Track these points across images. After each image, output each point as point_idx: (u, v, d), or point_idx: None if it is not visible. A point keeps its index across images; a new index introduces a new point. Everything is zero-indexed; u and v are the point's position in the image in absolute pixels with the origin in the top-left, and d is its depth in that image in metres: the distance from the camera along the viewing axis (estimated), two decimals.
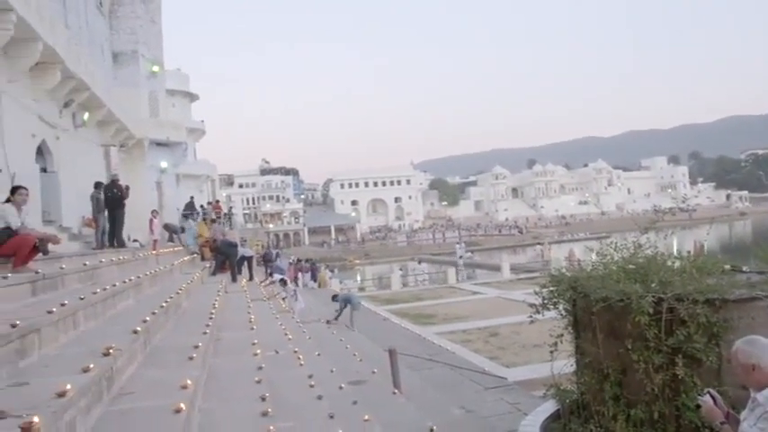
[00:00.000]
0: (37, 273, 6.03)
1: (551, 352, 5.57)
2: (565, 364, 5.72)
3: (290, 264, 29.19)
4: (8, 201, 6.86)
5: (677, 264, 5.09)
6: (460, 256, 41.78)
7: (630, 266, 5.15)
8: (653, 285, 4.70)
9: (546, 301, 5.66)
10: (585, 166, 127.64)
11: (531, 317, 5.75)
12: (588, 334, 5.24)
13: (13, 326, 3.64)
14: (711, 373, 4.22)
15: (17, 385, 3.23)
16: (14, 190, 7.06)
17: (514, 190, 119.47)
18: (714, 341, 4.27)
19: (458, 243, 65.19)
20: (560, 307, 5.63)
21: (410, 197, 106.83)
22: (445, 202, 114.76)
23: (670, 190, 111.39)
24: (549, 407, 5.85)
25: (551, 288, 5.63)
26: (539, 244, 55.95)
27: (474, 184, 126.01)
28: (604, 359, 4.97)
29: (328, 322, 14.34)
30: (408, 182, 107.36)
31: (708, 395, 2.98)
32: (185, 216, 27.34)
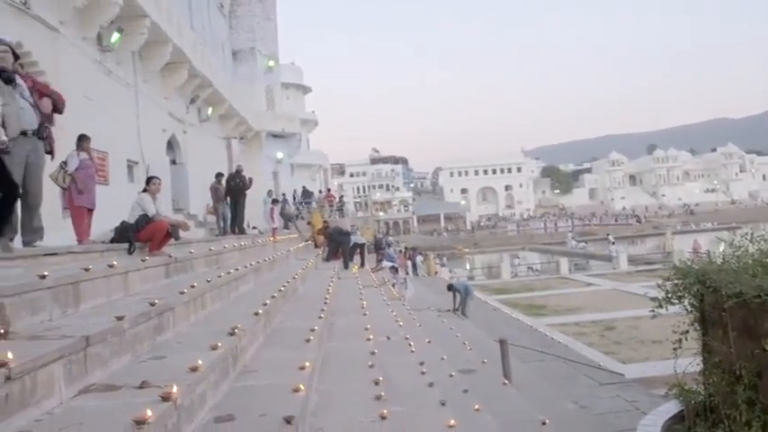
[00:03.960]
0: (170, 257, 6.55)
1: (675, 349, 5.24)
2: (689, 363, 5.37)
3: (400, 252, 29.54)
4: (144, 190, 7.48)
5: None
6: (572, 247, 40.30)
7: None
8: None
9: (670, 295, 5.32)
10: (713, 150, 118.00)
11: (652, 311, 5.44)
12: (718, 331, 4.87)
13: (152, 304, 3.98)
14: None
15: (156, 358, 3.54)
16: (149, 180, 7.67)
17: (632, 177, 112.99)
18: None
19: (569, 232, 63.01)
20: (686, 302, 5.28)
21: (521, 185, 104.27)
22: (557, 190, 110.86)
23: None
24: (672, 407, 5.53)
25: (676, 281, 5.28)
26: (660, 234, 52.72)
27: (588, 171, 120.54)
28: (737, 359, 4.61)
29: (454, 311, 14.40)
30: (519, 169, 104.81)
31: None
32: (301, 203, 28.43)
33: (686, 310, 5.33)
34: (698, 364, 5.32)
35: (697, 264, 5.61)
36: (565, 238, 53.52)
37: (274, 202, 16.07)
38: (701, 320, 5.22)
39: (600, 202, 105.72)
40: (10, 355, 2.36)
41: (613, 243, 36.76)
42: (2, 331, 2.92)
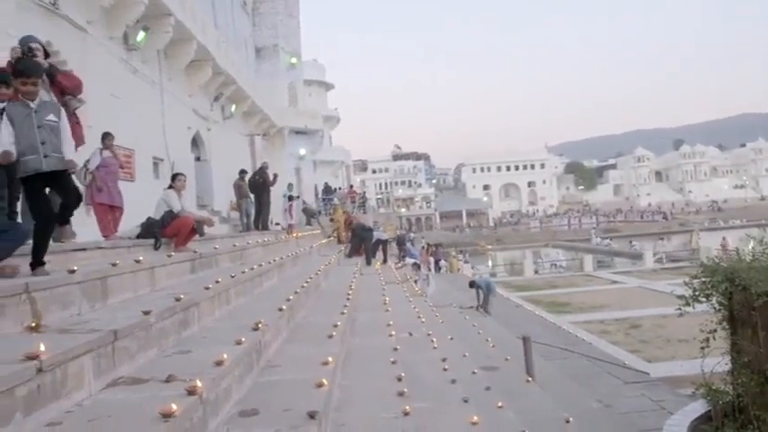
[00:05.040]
0: (195, 252, 6.63)
1: (702, 348, 5.17)
2: (717, 363, 5.28)
3: (422, 248, 29.51)
4: (170, 187, 7.57)
5: None
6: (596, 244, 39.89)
7: None
8: None
9: (697, 293, 5.24)
10: (743, 145, 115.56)
11: (679, 309, 5.36)
12: (747, 330, 4.79)
13: (178, 299, 4.04)
14: None
15: (182, 353, 3.59)
16: (174, 177, 7.77)
17: (658, 173, 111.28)
18: None
19: (593, 228, 62.33)
20: (714, 300, 5.20)
21: (544, 181, 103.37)
22: (582, 187, 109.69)
23: None
24: (699, 407, 5.45)
25: (704, 279, 5.20)
26: (686, 231, 51.88)
27: (613, 167, 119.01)
28: (767, 360, 4.52)
29: (476, 308, 14.36)
30: (542, 165, 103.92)
31: None
32: (322, 200, 28.50)
33: (714, 308, 5.24)
34: (726, 364, 5.24)
35: (725, 261, 5.51)
36: (589, 235, 52.98)
37: (290, 198, 16.15)
38: (729, 319, 5.13)
39: (625, 199, 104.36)
40: (42, 348, 2.42)
41: (634, 246, 36.37)
42: (33, 324, 2.99)
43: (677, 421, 5.31)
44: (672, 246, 46.42)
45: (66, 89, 5.74)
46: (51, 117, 3.93)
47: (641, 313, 15.45)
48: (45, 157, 3.83)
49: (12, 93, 4.32)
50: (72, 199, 4.33)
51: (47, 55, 5.61)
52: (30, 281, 3.32)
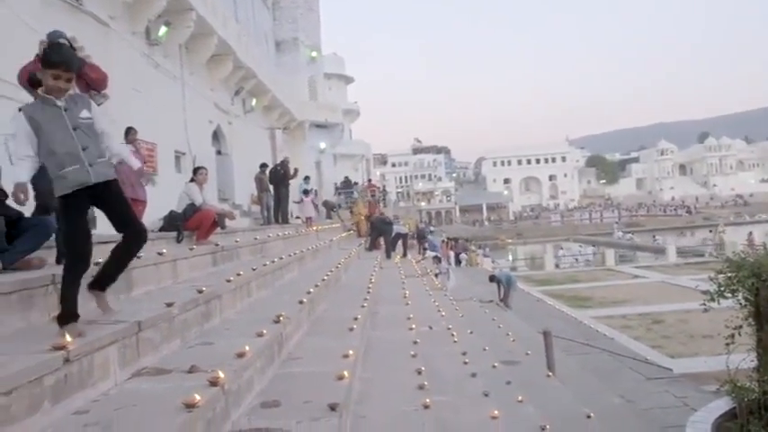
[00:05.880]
0: (217, 245, 6.69)
1: (727, 344, 5.09)
2: (743, 359, 5.20)
3: (443, 242, 29.48)
4: (192, 180, 7.64)
5: None
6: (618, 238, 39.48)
7: None
8: None
9: (723, 288, 5.16)
10: None
11: (704, 304, 5.28)
12: None
13: (200, 291, 4.08)
14: None
15: (204, 344, 3.63)
16: (196, 170, 7.84)
17: (682, 166, 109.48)
18: None
19: (616, 223, 61.64)
20: (739, 295, 5.12)
21: (565, 175, 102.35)
22: (603, 180, 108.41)
23: None
24: (723, 404, 5.38)
25: (729, 274, 5.12)
26: (711, 226, 51.08)
27: (636, 160, 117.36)
28: None
29: (498, 303, 14.32)
30: (564, 159, 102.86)
31: None
32: (341, 194, 28.56)
33: (740, 304, 5.16)
34: (752, 361, 5.16)
35: (752, 256, 5.41)
36: (611, 230, 52.42)
37: (306, 192, 16.18)
38: (755, 315, 5.05)
39: (647, 193, 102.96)
40: (68, 339, 2.47)
41: (657, 240, 35.93)
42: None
43: (701, 418, 5.25)
44: (695, 240, 45.77)
45: (92, 82, 5.74)
46: (85, 114, 3.08)
47: (664, 308, 15.28)
48: (90, 165, 2.98)
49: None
50: (134, 224, 3.26)
51: (73, 50, 5.66)
52: (56, 273, 3.37)
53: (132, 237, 3.22)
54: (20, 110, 3.01)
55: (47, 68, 2.94)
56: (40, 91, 3.06)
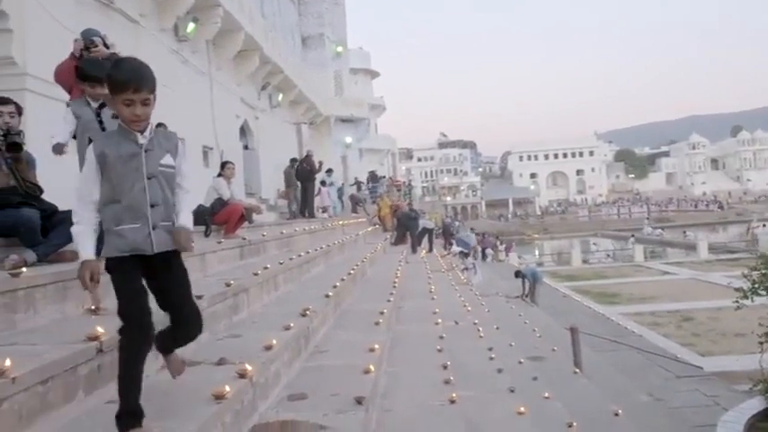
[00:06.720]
0: (244, 239, 6.77)
1: (761, 343, 5.01)
2: None
3: (477, 235, 29.35)
4: (219, 175, 7.74)
5: None
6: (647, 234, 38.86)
7: None
8: None
9: (756, 286, 5.07)
10: None
11: (736, 302, 5.19)
12: None
13: (228, 285, 4.14)
14: None
15: (232, 337, 3.68)
16: (224, 165, 7.94)
17: (714, 161, 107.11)
18: None
19: (646, 218, 60.63)
20: None
21: (593, 169, 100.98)
22: (632, 175, 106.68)
23: None
24: (756, 404, 5.29)
25: (764, 271, 5.02)
26: (744, 221, 49.94)
27: (666, 154, 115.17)
28: None
29: (523, 298, 14.23)
30: (591, 153, 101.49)
31: None
32: (361, 188, 28.60)
33: None
34: None
35: None
36: (640, 225, 51.61)
37: (322, 183, 16.23)
38: None
39: (678, 188, 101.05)
40: (101, 330, 2.52)
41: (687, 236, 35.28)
42: (93, 308, 3.10)
43: (733, 418, 5.17)
44: (728, 236, 44.79)
45: None
46: (167, 160, 2.27)
47: (694, 305, 15.02)
48: (153, 228, 2.22)
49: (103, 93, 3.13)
50: (189, 309, 2.44)
51: (106, 48, 5.76)
52: None
53: (181, 323, 2.43)
54: (67, 105, 2.58)
55: (114, 94, 2.15)
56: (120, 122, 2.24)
